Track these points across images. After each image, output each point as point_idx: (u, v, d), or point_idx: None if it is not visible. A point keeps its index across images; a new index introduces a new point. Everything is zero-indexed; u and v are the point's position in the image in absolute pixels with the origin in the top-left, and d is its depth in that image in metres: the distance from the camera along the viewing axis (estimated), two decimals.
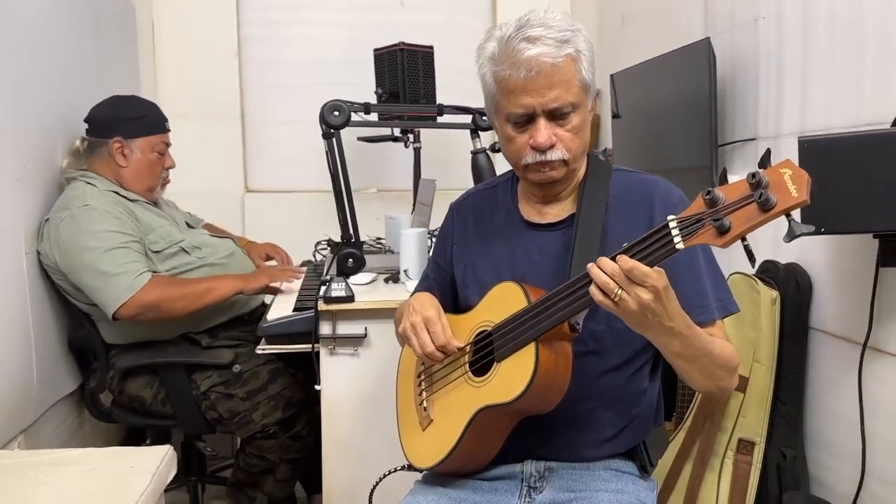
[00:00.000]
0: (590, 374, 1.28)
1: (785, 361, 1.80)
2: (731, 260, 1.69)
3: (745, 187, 0.94)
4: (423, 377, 1.39)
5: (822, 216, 1.36)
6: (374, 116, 1.93)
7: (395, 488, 1.41)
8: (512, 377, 1.18)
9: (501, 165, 1.39)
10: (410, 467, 1.38)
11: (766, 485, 1.80)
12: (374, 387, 1.86)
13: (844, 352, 1.68)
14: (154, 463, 1.66)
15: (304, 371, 2.18)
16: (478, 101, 1.32)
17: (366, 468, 1.86)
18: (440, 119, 2.07)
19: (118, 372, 2.17)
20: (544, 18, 1.23)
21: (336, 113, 1.70)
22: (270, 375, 2.16)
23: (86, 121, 2.23)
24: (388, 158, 3.33)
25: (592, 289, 1.06)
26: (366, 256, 2.35)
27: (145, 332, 2.15)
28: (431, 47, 2.80)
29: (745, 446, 1.82)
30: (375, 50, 2.84)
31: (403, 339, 1.37)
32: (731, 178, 2.09)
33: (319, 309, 1.81)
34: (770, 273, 1.85)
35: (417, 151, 2.88)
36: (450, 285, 1.48)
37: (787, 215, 0.92)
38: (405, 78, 2.70)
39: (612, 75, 2.72)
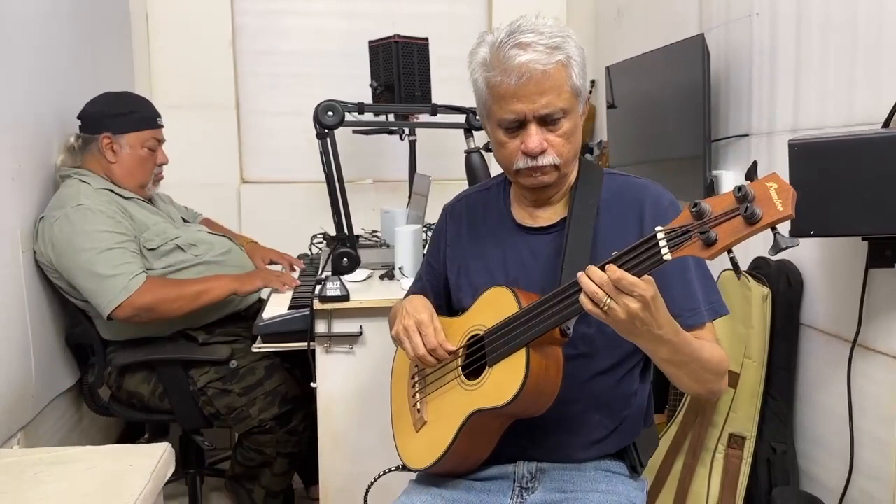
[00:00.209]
0: (580, 377, 1.30)
1: (776, 358, 1.82)
2: (722, 257, 1.70)
3: (731, 200, 0.95)
4: (416, 379, 1.41)
5: (811, 219, 1.38)
6: (367, 116, 1.92)
7: (389, 487, 1.44)
8: (503, 382, 1.20)
9: (495, 165, 1.40)
10: (405, 468, 1.40)
11: (757, 479, 1.83)
12: (369, 384, 1.87)
13: (834, 349, 1.70)
14: (152, 461, 1.68)
15: (301, 367, 2.20)
16: (473, 95, 1.33)
17: (362, 463, 1.89)
18: (434, 118, 2.06)
19: (116, 368, 2.18)
20: (536, 24, 1.24)
21: (330, 113, 1.70)
22: (267, 371, 2.18)
23: (78, 117, 2.23)
24: (384, 149, 3.33)
25: (582, 297, 1.07)
26: (361, 251, 2.36)
27: (142, 329, 2.16)
28: (426, 39, 2.79)
29: (735, 441, 1.84)
30: (370, 42, 2.83)
31: (397, 341, 1.38)
32: (724, 174, 2.12)
33: (315, 308, 1.82)
34: (761, 270, 1.86)
35: (413, 144, 2.89)
36: (443, 287, 1.50)
37: (773, 229, 0.93)
38: (400, 71, 2.69)
39: (607, 67, 2.72)
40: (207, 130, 3.29)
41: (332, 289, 1.80)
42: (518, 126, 1.25)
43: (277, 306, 1.99)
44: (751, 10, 1.99)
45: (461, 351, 1.31)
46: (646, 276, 1.04)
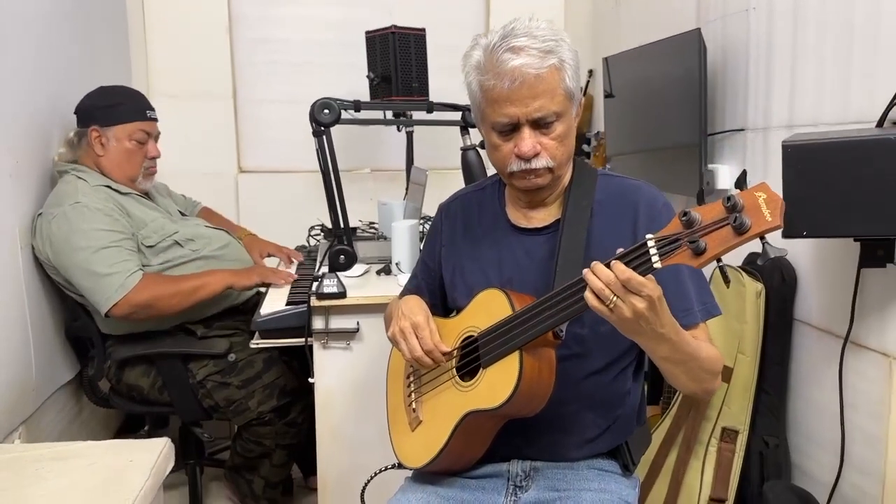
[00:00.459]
0: (574, 377, 1.31)
1: (769, 352, 1.84)
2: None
3: (720, 209, 0.96)
4: (412, 379, 1.42)
5: (803, 220, 1.39)
6: (363, 114, 1.92)
7: (386, 483, 1.46)
8: (497, 384, 1.21)
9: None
10: (401, 466, 1.42)
11: (749, 472, 1.85)
12: (366, 379, 1.89)
13: (827, 344, 1.72)
14: (152, 457, 1.70)
15: (299, 359, 2.22)
16: None
17: (359, 456, 1.92)
18: (430, 115, 2.06)
19: (115, 362, 2.20)
20: (529, 27, 1.24)
21: (326, 111, 1.70)
22: (265, 364, 2.20)
23: (74, 112, 2.23)
24: (382, 139, 3.32)
25: (588, 294, 1.07)
26: (358, 244, 2.37)
27: (141, 324, 2.17)
28: (423, 30, 2.79)
29: (728, 435, 1.86)
30: (367, 33, 2.82)
31: (393, 342, 1.40)
32: (719, 168, 2.13)
33: (312, 304, 1.83)
34: (755, 266, 1.87)
35: (410, 135, 2.88)
36: (438, 286, 1.51)
37: (761, 238, 0.94)
38: (397, 62, 2.69)
39: (605, 58, 2.71)
40: (205, 120, 3.29)
41: (329, 286, 1.81)
42: (511, 129, 1.25)
43: (275, 302, 2.00)
44: (748, 5, 1.99)
45: (456, 352, 1.32)
46: (650, 276, 1.05)
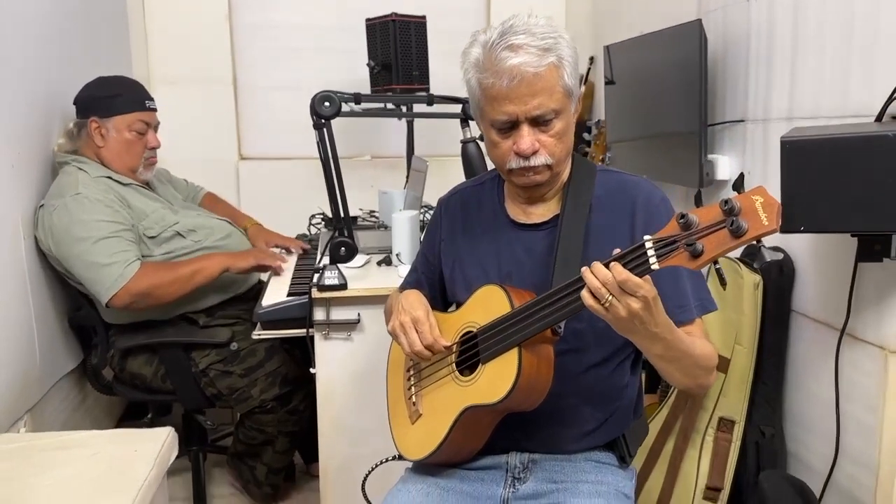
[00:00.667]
0: (572, 372, 1.33)
1: (766, 343, 1.85)
2: None
3: (717, 212, 0.97)
4: (412, 372, 1.44)
5: (801, 215, 1.40)
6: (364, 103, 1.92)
7: (386, 473, 1.48)
8: (496, 380, 1.23)
9: None
10: (401, 457, 1.44)
11: (745, 461, 1.87)
12: (367, 369, 1.91)
13: (823, 336, 1.73)
14: (156, 446, 1.72)
15: (301, 347, 2.24)
16: None
17: (360, 445, 1.95)
18: (430, 108, 2.07)
19: (118, 351, 2.22)
20: (528, 24, 1.24)
21: (327, 104, 1.71)
22: (267, 353, 2.22)
23: (73, 103, 2.23)
24: (382, 125, 3.33)
25: (584, 293, 1.09)
26: (359, 233, 2.38)
27: (143, 313, 2.19)
28: (424, 17, 2.78)
29: (725, 424, 1.88)
30: (367, 20, 2.81)
31: (392, 336, 1.41)
32: (719, 158, 2.13)
33: (313, 296, 1.85)
34: (754, 258, 1.88)
35: (410, 124, 2.88)
36: (438, 279, 1.52)
37: (758, 241, 0.95)
38: (397, 50, 2.69)
39: (606, 46, 2.71)
40: (205, 106, 3.29)
41: (330, 278, 1.82)
42: (510, 127, 1.26)
43: (277, 292, 2.02)
44: None
45: (455, 347, 1.34)
46: (646, 277, 1.06)
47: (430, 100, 1.98)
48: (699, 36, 2.01)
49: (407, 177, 2.82)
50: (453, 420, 1.29)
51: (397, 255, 2.03)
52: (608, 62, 2.72)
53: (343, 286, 1.84)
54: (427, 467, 1.41)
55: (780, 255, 0.95)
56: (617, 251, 1.08)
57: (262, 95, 3.39)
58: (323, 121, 1.71)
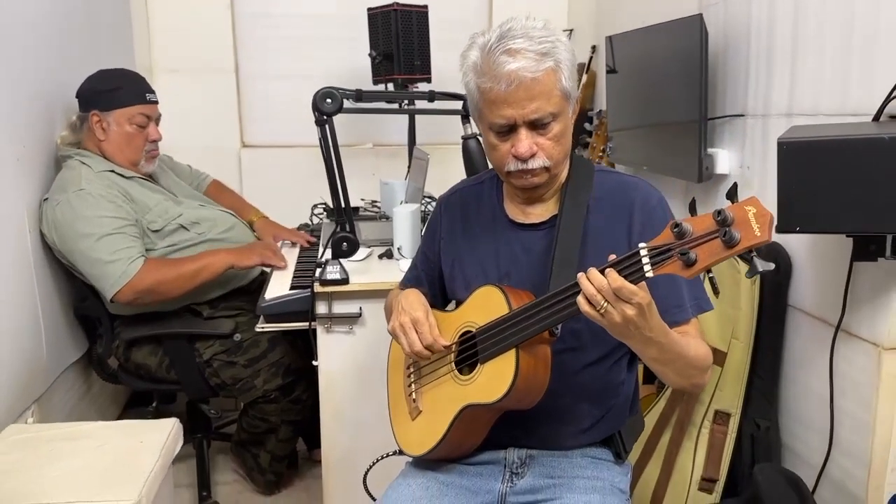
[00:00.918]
0: (569, 370, 1.35)
1: (763, 338, 1.88)
2: None
3: (711, 222, 0.98)
4: (412, 370, 1.47)
5: (797, 215, 1.42)
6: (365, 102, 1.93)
7: (387, 467, 1.52)
8: (494, 380, 1.26)
9: None
10: (401, 452, 1.47)
11: (741, 453, 1.90)
12: (368, 362, 1.94)
13: (819, 331, 1.75)
14: (162, 437, 1.76)
15: (303, 338, 2.26)
16: None
17: (360, 436, 1.98)
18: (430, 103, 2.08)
19: (123, 342, 2.25)
20: (526, 27, 1.25)
21: (329, 101, 1.72)
22: (270, 344, 2.24)
23: (76, 96, 2.24)
24: (383, 114, 3.32)
25: (580, 299, 1.11)
26: (361, 224, 2.40)
27: (147, 305, 2.21)
28: (426, 6, 2.78)
29: (721, 417, 1.91)
30: (369, 10, 2.81)
31: (392, 336, 1.44)
32: (719, 152, 2.14)
33: (315, 290, 1.87)
34: (751, 252, 1.89)
35: (412, 109, 2.88)
36: (438, 277, 1.55)
37: (750, 251, 0.96)
38: (399, 39, 2.69)
39: (608, 37, 2.70)
40: (207, 95, 3.30)
41: (332, 272, 1.84)
42: (509, 130, 1.27)
43: (279, 286, 2.04)
44: None
45: (454, 346, 1.36)
46: (641, 283, 1.08)
47: (432, 96, 1.99)
48: (700, 29, 2.01)
49: (408, 167, 2.83)
50: (452, 417, 1.32)
51: (398, 248, 2.05)
52: (610, 52, 2.72)
53: (345, 281, 1.86)
54: (427, 462, 1.44)
55: (771, 266, 0.96)
56: (612, 257, 1.10)
57: (264, 84, 3.39)
58: (325, 117, 1.72)
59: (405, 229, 2.04)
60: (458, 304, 1.45)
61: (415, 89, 2.77)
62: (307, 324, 1.92)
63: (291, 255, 2.37)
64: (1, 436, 1.76)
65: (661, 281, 1.26)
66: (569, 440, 1.40)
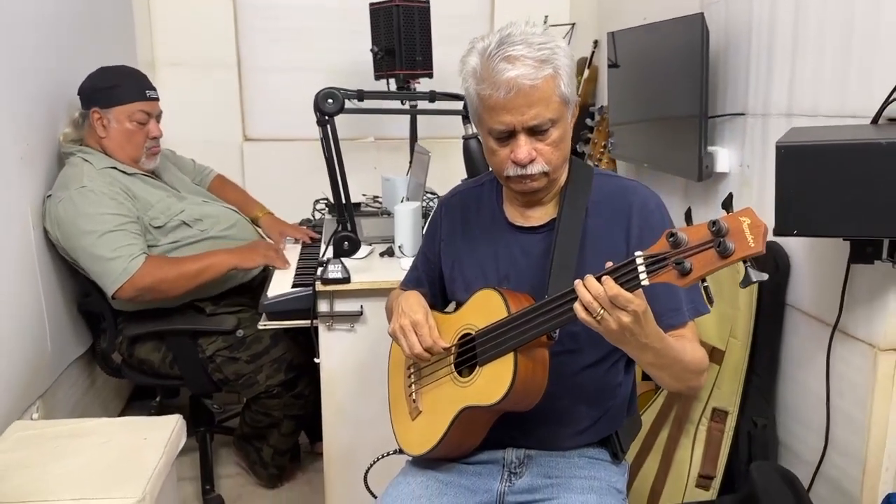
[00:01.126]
0: (567, 372, 1.37)
1: (760, 337, 1.89)
2: None
3: (706, 232, 0.99)
4: (412, 370, 1.48)
5: (795, 219, 1.43)
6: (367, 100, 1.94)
7: (388, 465, 1.54)
8: (493, 382, 1.27)
9: None
10: (401, 451, 1.49)
11: (738, 451, 1.92)
12: (369, 360, 1.96)
13: (816, 331, 1.76)
14: (165, 434, 1.79)
15: (305, 334, 2.28)
16: None
17: (361, 433, 2.00)
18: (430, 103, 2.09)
19: (127, 338, 2.26)
20: (525, 33, 1.25)
21: (330, 101, 1.72)
22: (272, 340, 2.26)
23: (77, 93, 2.25)
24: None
25: (577, 306, 1.13)
26: (362, 220, 2.41)
27: (149, 302, 2.22)
28: (427, 2, 2.78)
29: (718, 415, 1.93)
30: (371, 4, 2.81)
31: (393, 338, 1.45)
32: (719, 151, 2.14)
33: (317, 289, 1.89)
34: (745, 262, 1.90)
35: (414, 108, 2.89)
36: (438, 278, 1.56)
37: (744, 262, 0.98)
38: (401, 35, 2.69)
39: (610, 33, 2.70)
40: (209, 88, 3.31)
41: (334, 271, 1.86)
42: (508, 135, 1.28)
43: (281, 283, 2.06)
44: None
45: (454, 348, 1.38)
46: (637, 291, 1.09)
47: (433, 97, 1.99)
48: (701, 28, 2.01)
49: (410, 162, 2.84)
50: (452, 418, 1.34)
51: (399, 247, 2.07)
52: (612, 47, 2.72)
53: (346, 280, 1.88)
54: (426, 461, 1.46)
55: (765, 276, 0.97)
56: (609, 265, 1.11)
57: (266, 77, 3.40)
58: (326, 117, 1.73)
59: (406, 228, 2.05)
60: (458, 305, 1.46)
61: (416, 85, 2.77)
62: (309, 321, 1.94)
63: (294, 253, 2.39)
64: (6, 433, 1.79)
65: (658, 285, 1.28)
66: (566, 441, 1.42)
